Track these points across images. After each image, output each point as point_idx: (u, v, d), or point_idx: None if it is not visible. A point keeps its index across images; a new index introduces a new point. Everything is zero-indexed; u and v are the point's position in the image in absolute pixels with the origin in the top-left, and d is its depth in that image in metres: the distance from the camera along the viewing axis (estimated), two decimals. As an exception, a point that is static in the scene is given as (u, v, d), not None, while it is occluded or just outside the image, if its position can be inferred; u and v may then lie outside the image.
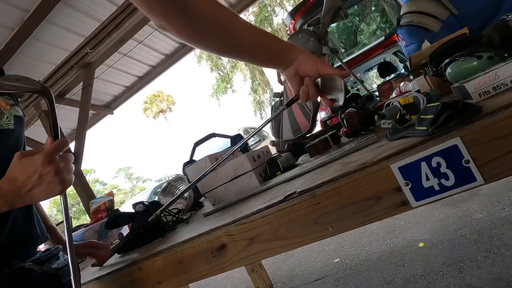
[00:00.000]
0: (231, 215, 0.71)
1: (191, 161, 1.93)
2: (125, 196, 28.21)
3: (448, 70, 0.73)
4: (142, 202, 1.06)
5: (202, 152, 2.03)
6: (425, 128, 0.49)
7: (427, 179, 0.47)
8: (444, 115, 0.47)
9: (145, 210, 0.98)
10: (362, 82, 2.48)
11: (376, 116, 1.04)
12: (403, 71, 4.16)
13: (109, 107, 3.94)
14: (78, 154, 2.90)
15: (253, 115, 21.75)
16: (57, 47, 2.61)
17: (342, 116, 0.88)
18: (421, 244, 1.71)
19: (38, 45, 2.53)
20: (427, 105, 0.53)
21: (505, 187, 1.82)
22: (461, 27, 1.01)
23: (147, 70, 3.63)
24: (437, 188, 0.46)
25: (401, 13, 1.40)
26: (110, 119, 4.26)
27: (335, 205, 0.54)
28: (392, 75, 4.15)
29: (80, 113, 2.87)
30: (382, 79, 4.42)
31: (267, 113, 22.25)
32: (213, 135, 1.92)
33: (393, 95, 1.55)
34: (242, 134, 6.37)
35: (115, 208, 2.19)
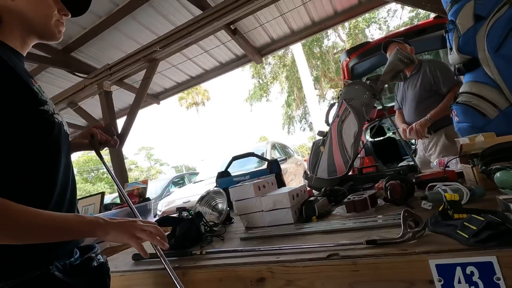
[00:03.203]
0: (270, 251, 0.81)
1: (225, 173, 2.07)
2: (141, 174, 29.13)
3: (497, 175, 0.79)
4: (186, 209, 1.20)
5: (235, 164, 2.16)
6: (467, 236, 0.57)
7: (459, 282, 0.54)
8: (486, 233, 0.54)
9: (190, 218, 1.11)
10: (397, 129, 2.42)
11: (415, 186, 1.11)
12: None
13: (157, 97, 4.23)
14: (123, 135, 3.16)
15: (281, 128, 21.80)
16: (131, 39, 2.90)
17: (387, 186, 0.96)
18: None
19: (116, 34, 2.83)
20: (472, 216, 0.60)
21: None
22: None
23: (200, 72, 3.88)
24: (466, 292, 0.54)
25: (460, 91, 1.45)
26: (154, 106, 4.56)
27: (371, 276, 0.62)
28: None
29: (135, 101, 3.13)
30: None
31: (296, 129, 22.13)
32: (251, 154, 2.05)
33: (434, 163, 1.59)
34: (269, 148, 6.51)
35: (147, 196, 2.37)
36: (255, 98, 20.42)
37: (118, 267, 1.06)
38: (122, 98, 3.93)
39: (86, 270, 0.70)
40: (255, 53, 3.36)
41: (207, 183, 4.92)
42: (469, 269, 0.54)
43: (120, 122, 3.49)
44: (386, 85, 1.83)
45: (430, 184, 0.94)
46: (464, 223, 0.60)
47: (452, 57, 1.44)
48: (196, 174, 7.37)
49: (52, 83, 3.55)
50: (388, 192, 0.94)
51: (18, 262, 0.58)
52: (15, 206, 0.53)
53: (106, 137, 0.95)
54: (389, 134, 4.74)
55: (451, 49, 1.43)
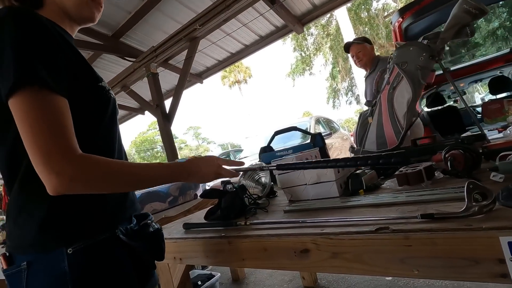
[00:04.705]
0: (314, 223, 0.79)
1: (268, 148, 2.07)
2: (190, 152, 30.91)
3: None
4: (231, 183, 1.23)
5: (279, 140, 2.14)
6: (551, 211, 0.48)
7: (539, 262, 0.47)
8: None
9: (235, 191, 1.14)
10: (464, 94, 2.21)
11: (482, 156, 0.98)
12: (522, 90, 3.50)
13: (200, 76, 4.33)
14: (171, 115, 3.33)
15: (325, 102, 21.01)
16: (173, 20, 2.96)
17: (447, 156, 0.85)
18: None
19: (159, 16, 2.90)
20: (560, 187, 0.51)
21: None
22: None
23: (240, 48, 3.84)
24: (547, 274, 0.46)
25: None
26: (198, 85, 4.69)
27: (426, 252, 0.57)
28: (505, 94, 3.55)
29: (179, 80, 3.24)
30: (492, 95, 3.82)
31: (341, 103, 21.19)
32: (294, 128, 2.00)
33: (508, 131, 1.38)
34: (313, 123, 6.34)
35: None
36: (297, 72, 19.77)
37: (171, 234, 1.14)
38: (168, 79, 4.10)
39: (144, 235, 0.76)
40: (295, 22, 3.19)
41: (251, 159, 5.03)
42: (552, 248, 0.46)
43: (168, 103, 3.67)
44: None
45: (502, 154, 0.81)
46: (548, 195, 0.51)
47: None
48: (241, 151, 7.55)
49: (107, 68, 3.83)
50: (449, 163, 0.83)
51: (88, 226, 0.65)
52: (112, 160, 0.62)
53: None
54: (450, 102, 4.24)
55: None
